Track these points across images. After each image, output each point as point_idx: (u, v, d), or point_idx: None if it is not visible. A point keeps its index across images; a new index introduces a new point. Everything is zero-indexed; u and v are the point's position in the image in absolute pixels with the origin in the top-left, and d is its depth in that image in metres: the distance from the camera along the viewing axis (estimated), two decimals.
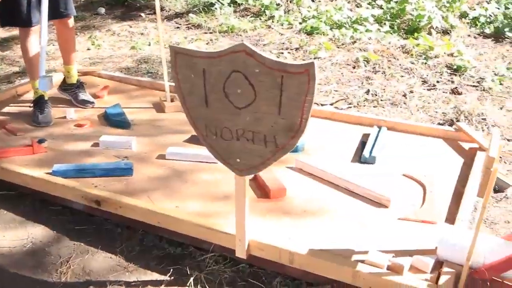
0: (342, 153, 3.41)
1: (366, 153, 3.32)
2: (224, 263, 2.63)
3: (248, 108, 2.17)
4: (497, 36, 5.77)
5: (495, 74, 4.83)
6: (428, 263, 2.32)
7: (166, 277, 2.57)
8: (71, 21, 3.91)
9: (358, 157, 3.34)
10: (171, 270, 2.60)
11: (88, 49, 6.02)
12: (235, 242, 2.49)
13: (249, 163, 2.27)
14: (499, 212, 3.02)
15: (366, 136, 3.57)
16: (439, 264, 2.35)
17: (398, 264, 2.30)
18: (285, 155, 2.19)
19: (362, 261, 2.35)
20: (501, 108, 4.23)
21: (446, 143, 3.51)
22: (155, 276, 2.59)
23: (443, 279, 2.23)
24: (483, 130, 3.87)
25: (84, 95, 4.10)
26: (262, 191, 2.98)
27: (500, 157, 3.56)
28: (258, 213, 2.77)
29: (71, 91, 4.11)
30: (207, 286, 2.49)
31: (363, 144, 3.48)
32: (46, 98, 3.91)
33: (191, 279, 2.52)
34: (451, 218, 2.70)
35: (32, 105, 3.90)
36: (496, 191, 3.20)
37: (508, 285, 2.24)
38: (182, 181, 3.08)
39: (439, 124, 3.99)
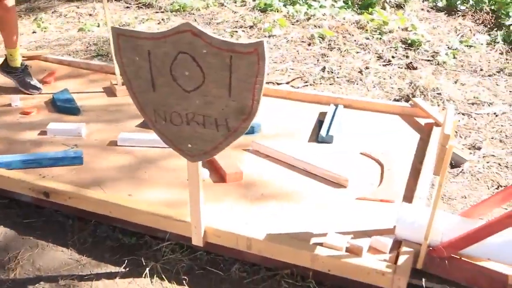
0: (299, 133, 3.35)
1: (323, 132, 3.27)
2: (181, 251, 2.54)
3: (197, 91, 2.07)
4: (450, 9, 5.78)
5: (449, 48, 4.84)
6: (386, 243, 2.29)
7: (121, 269, 2.47)
8: (8, 2, 3.68)
9: (315, 137, 3.29)
10: (126, 261, 2.50)
11: (34, 32, 5.75)
12: (191, 229, 2.41)
13: (201, 148, 2.18)
14: (456, 188, 3.02)
15: (323, 115, 3.53)
16: (398, 244, 2.33)
17: (357, 245, 2.26)
18: (237, 138, 2.11)
19: (321, 244, 2.30)
20: (455, 82, 4.24)
21: (403, 120, 3.50)
22: (110, 268, 2.48)
23: (401, 259, 2.21)
24: (438, 105, 3.88)
25: (30, 80, 3.90)
26: (218, 175, 2.89)
27: (456, 132, 3.57)
28: (214, 198, 2.69)
29: (15, 75, 3.90)
30: (163, 276, 2.41)
31: (320, 123, 3.43)
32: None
33: (147, 269, 2.43)
34: (409, 196, 2.68)
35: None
36: (452, 166, 3.20)
37: (466, 261, 2.24)
38: (135, 168, 2.96)
39: (395, 100, 3.98)
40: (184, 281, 2.39)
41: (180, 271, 2.44)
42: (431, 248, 2.25)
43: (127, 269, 2.47)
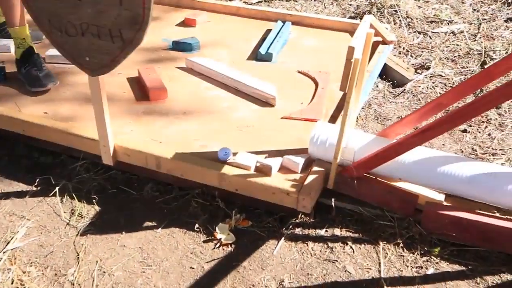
0: (240, 51, 3.20)
1: (262, 50, 3.12)
2: (96, 170, 2.47)
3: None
4: None
5: None
6: (298, 162, 2.20)
7: (32, 187, 2.40)
8: None
9: (256, 55, 3.14)
10: (38, 179, 2.43)
11: None
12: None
13: (99, 62, 2.05)
14: (394, 108, 2.90)
15: (269, 33, 3.36)
16: (311, 163, 2.24)
17: (266, 165, 2.17)
18: (133, 50, 1.97)
19: (230, 164, 2.22)
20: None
21: (352, 37, 3.32)
22: (21, 187, 2.42)
23: (309, 178, 2.13)
24: (395, 23, 3.69)
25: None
26: (143, 92, 2.77)
27: (407, 51, 3.41)
28: (133, 116, 2.59)
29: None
30: (73, 195, 2.34)
31: (264, 41, 3.26)
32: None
33: (57, 188, 2.37)
34: (337, 115, 2.57)
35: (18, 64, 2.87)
36: (395, 85, 3.07)
37: (377, 181, 2.16)
38: (58, 87, 2.83)
39: (350, 17, 3.79)
40: (94, 200, 2.33)
41: (91, 190, 2.38)
42: (343, 168, 2.16)
43: (39, 188, 2.41)
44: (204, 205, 2.27)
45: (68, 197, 2.35)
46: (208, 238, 2.14)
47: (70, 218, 2.26)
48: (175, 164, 2.25)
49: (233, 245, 2.10)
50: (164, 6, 3.80)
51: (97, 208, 2.30)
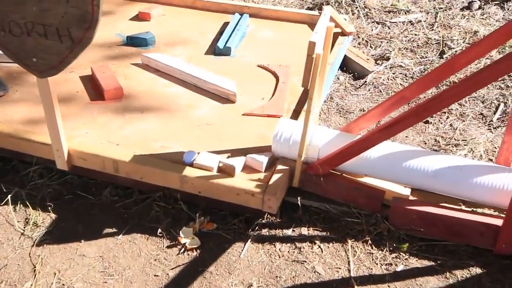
0: (197, 46, 3.10)
1: (220, 44, 3.03)
2: (50, 176, 2.35)
3: None
4: None
5: None
6: (261, 161, 2.14)
7: None
8: None
9: (214, 49, 3.05)
10: None
11: None
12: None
13: (47, 62, 1.94)
14: (356, 100, 2.88)
15: (226, 26, 3.27)
16: (276, 162, 2.18)
17: (229, 165, 2.10)
18: (83, 50, 1.86)
19: (191, 165, 2.14)
20: None
21: (311, 29, 3.28)
22: None
23: (274, 178, 2.07)
24: (353, 13, 3.66)
25: None
26: (97, 92, 2.65)
27: (367, 41, 3.39)
28: (88, 117, 2.47)
29: None
30: (27, 203, 2.22)
31: (221, 34, 3.18)
32: None
33: (9, 196, 2.24)
34: (299, 110, 2.51)
35: None
36: (355, 78, 3.04)
37: (343, 178, 2.12)
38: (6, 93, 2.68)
39: (308, 8, 3.74)
40: (49, 208, 2.21)
41: (46, 197, 2.26)
42: (308, 165, 2.12)
43: None
44: (166, 208, 2.19)
45: (21, 205, 2.23)
46: (172, 243, 2.06)
47: (24, 227, 2.14)
48: (134, 167, 2.16)
49: (198, 250, 2.03)
50: None
51: (53, 216, 2.19)
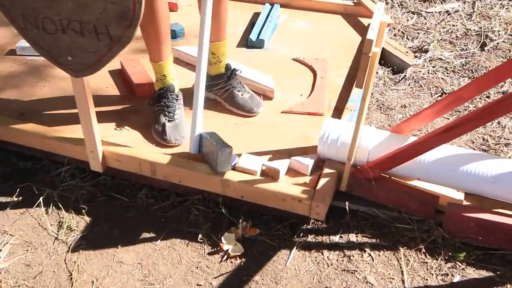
0: (228, 38, 2.96)
1: (253, 36, 2.91)
2: (82, 176, 2.26)
3: None
4: None
5: None
6: (307, 164, 2.03)
7: (13, 198, 2.18)
8: None
9: (245, 41, 2.93)
10: (19, 189, 2.21)
11: None
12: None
13: (83, 61, 1.83)
14: (397, 95, 2.75)
15: (256, 16, 3.14)
16: (322, 164, 2.07)
17: (273, 168, 2.00)
18: (123, 49, 1.75)
19: (233, 168, 2.03)
20: None
21: (345, 20, 3.15)
22: (0, 198, 2.19)
23: (321, 182, 1.96)
24: (387, 3, 3.51)
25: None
26: (128, 87, 2.54)
27: (403, 33, 3.25)
28: (120, 115, 2.37)
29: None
30: (60, 205, 2.13)
31: (252, 25, 3.05)
32: (177, 90, 2.35)
33: (41, 198, 2.15)
34: (341, 108, 2.40)
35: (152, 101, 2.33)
36: (394, 72, 2.91)
37: (394, 182, 2.00)
38: (32, 83, 2.58)
39: None
40: (83, 210, 2.12)
41: (79, 199, 2.17)
42: (356, 168, 2.00)
43: (20, 198, 2.19)
44: (206, 212, 2.09)
45: (54, 207, 2.14)
46: (213, 250, 1.97)
47: (58, 231, 2.05)
48: (172, 170, 2.06)
49: (242, 257, 1.93)
50: None
51: (87, 219, 2.10)
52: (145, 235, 2.04)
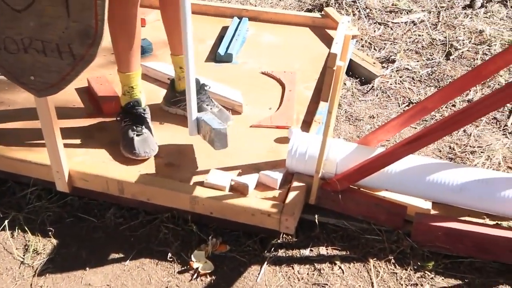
0: (196, 52, 2.94)
1: (221, 50, 2.91)
2: (49, 197, 2.22)
3: (29, 10, 1.67)
4: None
5: None
6: (276, 178, 2.02)
7: None
8: None
9: (214, 56, 2.93)
10: None
11: None
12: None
13: (46, 81, 1.80)
14: (365, 106, 2.77)
15: (225, 30, 3.15)
16: (291, 177, 2.07)
17: (242, 183, 1.99)
18: (86, 67, 1.73)
19: (202, 184, 2.02)
20: None
21: (313, 32, 3.17)
22: None
23: (290, 196, 1.96)
24: (354, 14, 3.55)
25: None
26: (95, 105, 2.52)
27: (370, 43, 3.29)
28: (87, 134, 2.34)
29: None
30: (26, 228, 2.09)
31: (221, 39, 3.05)
32: (144, 104, 2.34)
33: (6, 221, 2.10)
34: (309, 121, 2.40)
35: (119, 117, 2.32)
36: (362, 83, 2.94)
37: (362, 194, 2.01)
38: None
39: (308, 10, 3.62)
40: (50, 233, 2.08)
41: (46, 220, 2.13)
42: (325, 181, 2.01)
43: None
44: (175, 230, 2.07)
45: (19, 230, 2.09)
46: (183, 268, 1.94)
47: (24, 255, 2.01)
48: (140, 188, 2.03)
49: (212, 275, 1.91)
50: None
51: (54, 241, 2.06)
52: (114, 255, 2.01)
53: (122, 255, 2.00)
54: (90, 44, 1.67)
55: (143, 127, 2.23)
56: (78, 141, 2.28)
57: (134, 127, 2.21)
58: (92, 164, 2.13)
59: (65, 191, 2.13)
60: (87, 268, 1.96)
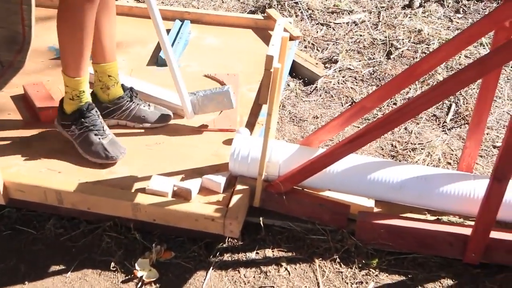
0: (138, 56, 2.92)
1: (163, 54, 2.86)
2: None
3: None
4: None
5: None
6: (219, 182, 2.01)
7: None
8: None
9: (156, 60, 2.88)
10: None
11: None
12: None
13: None
14: (309, 107, 2.79)
15: (166, 33, 3.10)
16: (234, 180, 2.06)
17: (185, 188, 1.96)
18: (16, 74, 1.67)
19: (143, 191, 1.98)
20: None
21: (256, 34, 3.16)
22: None
23: (234, 199, 1.94)
24: (296, 16, 3.57)
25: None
26: (32, 113, 2.43)
27: (313, 44, 3.31)
28: (24, 143, 2.26)
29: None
30: None
31: None
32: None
33: None
34: (253, 122, 2.40)
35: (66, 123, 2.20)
36: (306, 83, 2.95)
37: (306, 195, 2.02)
38: None
39: (250, 12, 3.62)
40: None
41: None
42: (269, 183, 2.00)
43: None
44: (118, 239, 2.02)
45: None
46: (127, 278, 1.90)
47: None
48: (80, 197, 1.98)
49: (157, 283, 1.88)
50: (46, 8, 3.40)
51: None
52: (55, 268, 1.95)
53: (64, 267, 1.94)
54: (18, 50, 1.63)
55: (105, 129, 2.17)
56: (14, 151, 2.20)
57: (96, 131, 2.14)
58: (28, 174, 2.06)
59: (1, 203, 2.05)
60: (26, 282, 1.89)
